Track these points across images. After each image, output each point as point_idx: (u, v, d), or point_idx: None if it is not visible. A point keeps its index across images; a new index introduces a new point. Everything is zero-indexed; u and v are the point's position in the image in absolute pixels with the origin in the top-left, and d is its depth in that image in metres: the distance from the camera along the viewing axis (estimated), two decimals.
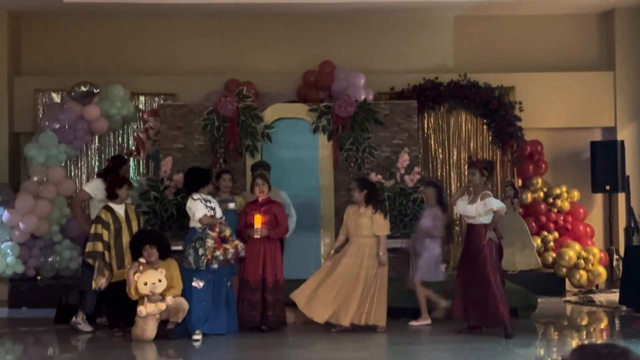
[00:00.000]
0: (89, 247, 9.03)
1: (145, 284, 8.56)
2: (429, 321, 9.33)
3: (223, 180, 9.46)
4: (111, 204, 9.16)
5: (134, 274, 8.61)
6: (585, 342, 2.50)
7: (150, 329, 8.58)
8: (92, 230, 9.04)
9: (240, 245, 8.90)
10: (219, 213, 8.96)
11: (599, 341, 8.77)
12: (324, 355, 8.21)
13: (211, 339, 8.64)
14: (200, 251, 8.65)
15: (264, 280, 9.01)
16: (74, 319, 9.28)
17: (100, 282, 8.89)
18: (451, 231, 10.12)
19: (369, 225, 9.06)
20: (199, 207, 8.84)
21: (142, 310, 8.53)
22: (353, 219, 9.15)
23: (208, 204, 8.91)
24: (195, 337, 8.62)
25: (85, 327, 9.21)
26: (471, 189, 8.91)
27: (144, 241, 8.79)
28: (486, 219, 8.65)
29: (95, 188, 9.64)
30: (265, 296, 8.99)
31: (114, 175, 9.48)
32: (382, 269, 9.04)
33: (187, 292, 8.72)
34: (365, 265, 9.01)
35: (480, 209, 8.63)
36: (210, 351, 8.24)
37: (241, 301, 9.01)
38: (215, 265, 8.68)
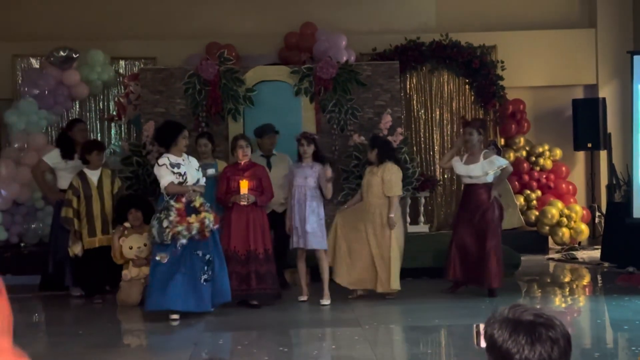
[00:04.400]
0: (62, 212, 8.97)
1: (131, 248, 8.57)
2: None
3: (199, 146, 9.07)
4: (85, 170, 9.04)
5: (119, 238, 8.60)
6: (517, 303, 2.37)
7: (135, 294, 8.60)
8: (66, 196, 8.97)
9: (209, 217, 7.72)
10: (190, 178, 7.92)
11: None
12: (307, 316, 8.22)
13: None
14: (165, 223, 7.61)
15: (254, 251, 8.25)
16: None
17: (77, 249, 8.84)
18: None
19: (380, 185, 8.60)
20: (163, 174, 7.79)
21: (126, 274, 8.57)
22: (367, 178, 8.70)
23: (175, 169, 7.82)
24: (173, 316, 7.81)
25: (76, 291, 9.24)
26: (462, 149, 8.86)
27: (129, 205, 8.78)
28: (489, 178, 8.63)
29: (53, 157, 9.46)
30: (257, 268, 8.23)
31: (67, 140, 9.40)
32: (392, 231, 8.52)
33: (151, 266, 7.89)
34: (372, 228, 8.55)
35: (487, 168, 8.56)
36: (196, 313, 8.19)
37: (229, 274, 8.04)
38: (184, 241, 7.61)
